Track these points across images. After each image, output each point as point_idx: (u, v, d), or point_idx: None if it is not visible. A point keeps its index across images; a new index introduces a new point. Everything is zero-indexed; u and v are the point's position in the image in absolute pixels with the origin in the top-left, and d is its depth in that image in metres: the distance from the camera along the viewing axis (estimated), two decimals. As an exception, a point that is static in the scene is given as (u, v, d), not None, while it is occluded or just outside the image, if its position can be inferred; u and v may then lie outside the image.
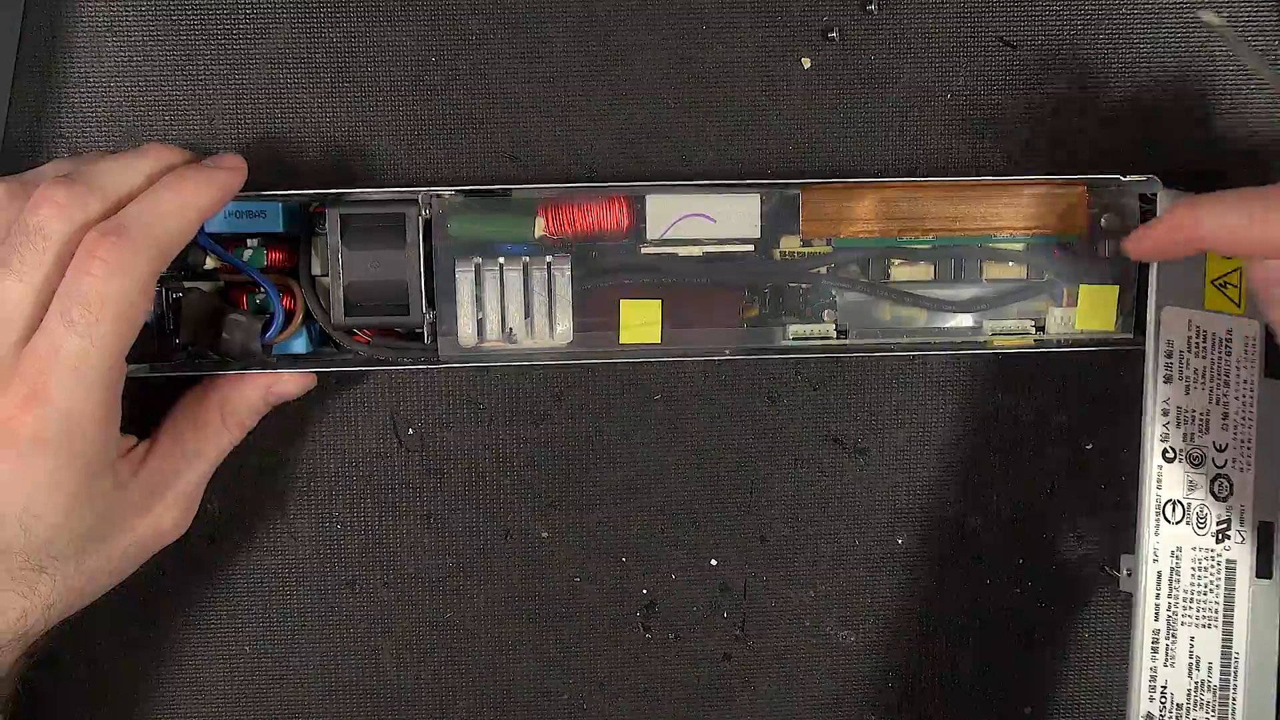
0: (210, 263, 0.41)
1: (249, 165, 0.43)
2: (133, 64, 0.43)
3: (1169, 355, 0.41)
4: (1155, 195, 0.42)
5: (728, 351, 0.44)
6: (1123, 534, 0.48)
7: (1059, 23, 0.44)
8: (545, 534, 0.47)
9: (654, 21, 0.44)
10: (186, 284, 0.41)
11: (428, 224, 0.41)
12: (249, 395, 0.42)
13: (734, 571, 0.48)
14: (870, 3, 0.44)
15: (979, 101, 0.45)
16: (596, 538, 0.47)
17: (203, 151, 0.43)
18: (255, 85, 0.43)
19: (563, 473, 0.47)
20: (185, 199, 0.37)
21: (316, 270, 0.42)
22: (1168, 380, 0.41)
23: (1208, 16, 0.39)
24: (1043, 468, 0.47)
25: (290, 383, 0.42)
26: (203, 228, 0.40)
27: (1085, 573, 0.48)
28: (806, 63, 0.44)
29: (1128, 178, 0.43)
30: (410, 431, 0.46)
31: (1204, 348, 0.41)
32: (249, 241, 0.41)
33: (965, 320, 0.44)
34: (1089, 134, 0.45)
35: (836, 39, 0.44)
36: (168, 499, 0.41)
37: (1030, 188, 0.43)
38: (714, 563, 0.48)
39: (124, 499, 0.39)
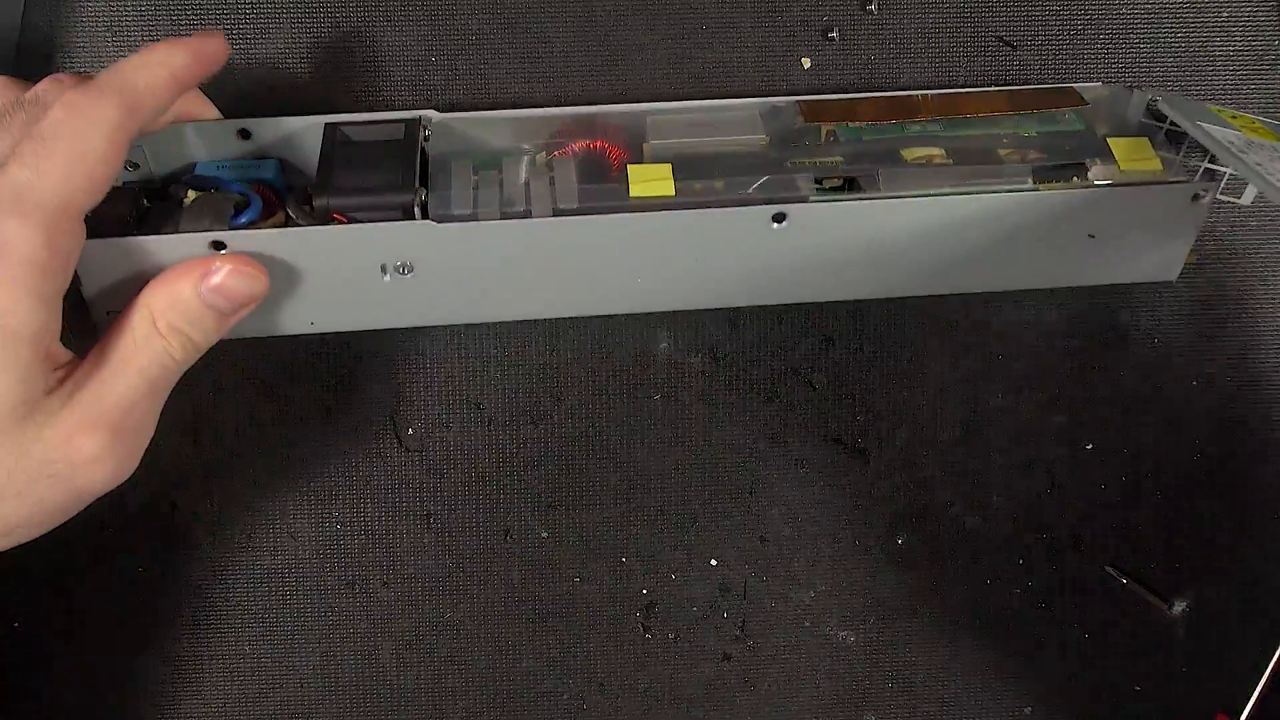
0: (191, 197, 0.38)
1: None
2: (133, 64, 0.43)
3: (1231, 145, 0.38)
4: (1158, 103, 0.41)
5: (750, 190, 0.39)
6: (1123, 534, 0.48)
7: (1059, 23, 0.44)
8: (545, 534, 0.47)
9: (654, 21, 0.43)
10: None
11: (424, 154, 0.39)
12: (180, 289, 0.35)
13: (734, 571, 0.48)
14: (870, 3, 0.44)
15: (979, 101, 0.45)
16: (596, 538, 0.47)
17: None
18: (255, 85, 0.43)
19: (563, 473, 0.47)
20: (157, 56, 0.35)
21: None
22: (1243, 152, 0.38)
23: None
24: (1043, 468, 0.47)
25: (234, 275, 0.36)
26: (193, 173, 0.39)
27: (1085, 573, 0.48)
28: (806, 63, 0.44)
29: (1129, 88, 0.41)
30: (410, 431, 0.46)
31: (1260, 148, 0.38)
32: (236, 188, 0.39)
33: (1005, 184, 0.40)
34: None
35: (836, 39, 0.44)
36: (86, 420, 0.33)
37: (1023, 92, 0.41)
38: (714, 563, 0.48)
39: (44, 408, 0.33)
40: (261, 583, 0.47)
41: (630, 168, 0.39)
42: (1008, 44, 0.45)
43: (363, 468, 0.46)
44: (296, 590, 0.47)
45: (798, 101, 0.41)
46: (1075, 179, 0.40)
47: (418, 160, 0.38)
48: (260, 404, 0.45)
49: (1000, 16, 0.44)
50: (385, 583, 0.47)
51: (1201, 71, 0.45)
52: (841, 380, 0.46)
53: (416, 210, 0.37)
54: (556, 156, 0.39)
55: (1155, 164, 0.40)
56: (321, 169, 0.38)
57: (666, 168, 0.39)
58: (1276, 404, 0.47)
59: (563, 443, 0.46)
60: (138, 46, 0.42)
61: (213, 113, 0.41)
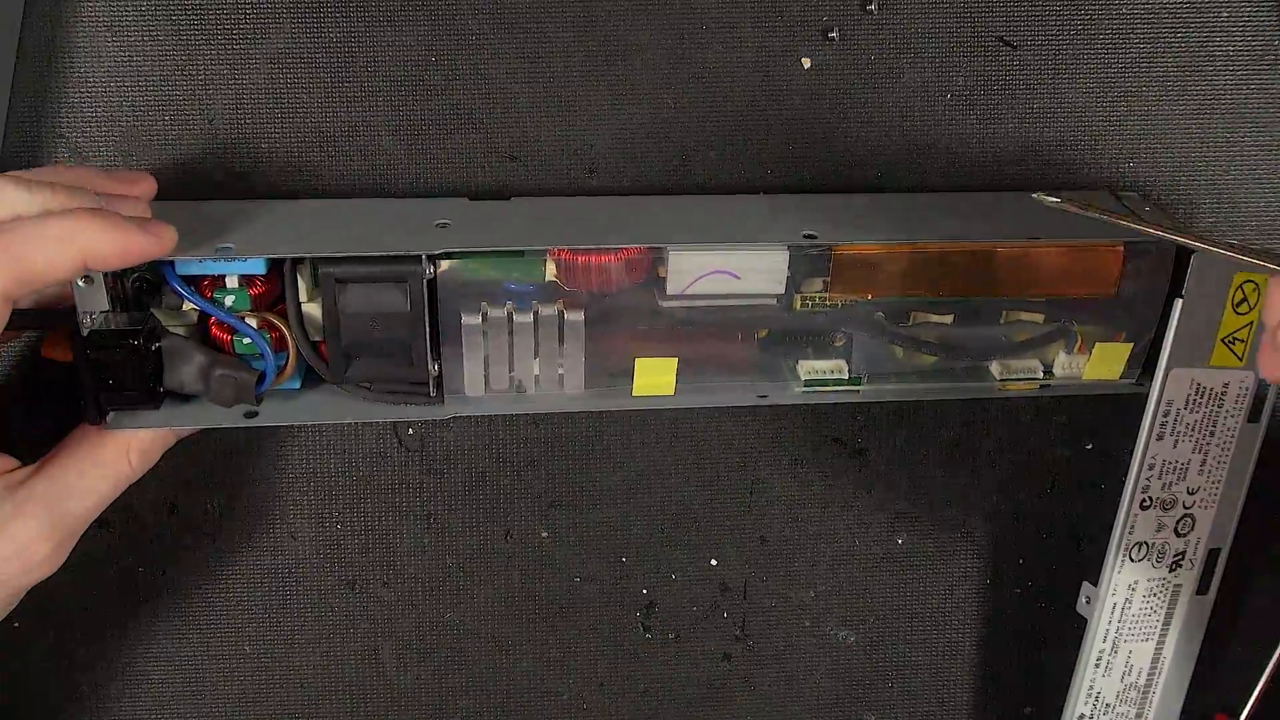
0: (189, 306, 0.39)
1: (254, 165, 0.43)
2: (133, 64, 0.43)
3: (1166, 415, 0.42)
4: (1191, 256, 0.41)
5: (743, 398, 0.42)
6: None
7: (1059, 23, 0.44)
8: (545, 534, 0.47)
9: (654, 21, 0.44)
10: (162, 320, 0.39)
11: (431, 281, 0.39)
12: (167, 438, 0.39)
13: (734, 571, 0.48)
14: (870, 3, 0.44)
15: (979, 101, 0.45)
16: (596, 538, 0.47)
17: (204, 151, 0.43)
18: (255, 85, 0.43)
19: (563, 473, 0.47)
20: (76, 239, 0.32)
21: (304, 296, 0.39)
22: (1160, 438, 0.42)
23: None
24: (1043, 468, 0.47)
25: None
26: (174, 271, 0.37)
27: (1085, 573, 0.48)
28: (806, 63, 0.44)
29: (1169, 235, 0.40)
30: (410, 431, 0.46)
31: (1199, 403, 0.42)
32: (228, 281, 0.38)
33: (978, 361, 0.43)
34: (1089, 134, 0.45)
35: (836, 39, 0.44)
36: (42, 528, 0.35)
37: (1065, 251, 0.41)
38: (714, 563, 0.48)
39: None
40: (261, 583, 0.47)
41: (639, 362, 0.41)
42: (1008, 44, 0.45)
43: (363, 468, 0.46)
44: (296, 590, 0.47)
45: (830, 255, 0.40)
46: (1041, 366, 0.43)
47: (427, 330, 0.39)
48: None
49: (1000, 16, 0.44)
50: (385, 583, 0.47)
51: (1201, 71, 0.45)
52: (841, 380, 0.46)
53: (430, 386, 0.40)
54: (564, 301, 0.40)
55: (1116, 373, 0.44)
56: (330, 343, 0.39)
57: (671, 366, 0.41)
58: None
59: (563, 443, 0.46)
60: (138, 46, 0.43)
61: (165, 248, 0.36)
